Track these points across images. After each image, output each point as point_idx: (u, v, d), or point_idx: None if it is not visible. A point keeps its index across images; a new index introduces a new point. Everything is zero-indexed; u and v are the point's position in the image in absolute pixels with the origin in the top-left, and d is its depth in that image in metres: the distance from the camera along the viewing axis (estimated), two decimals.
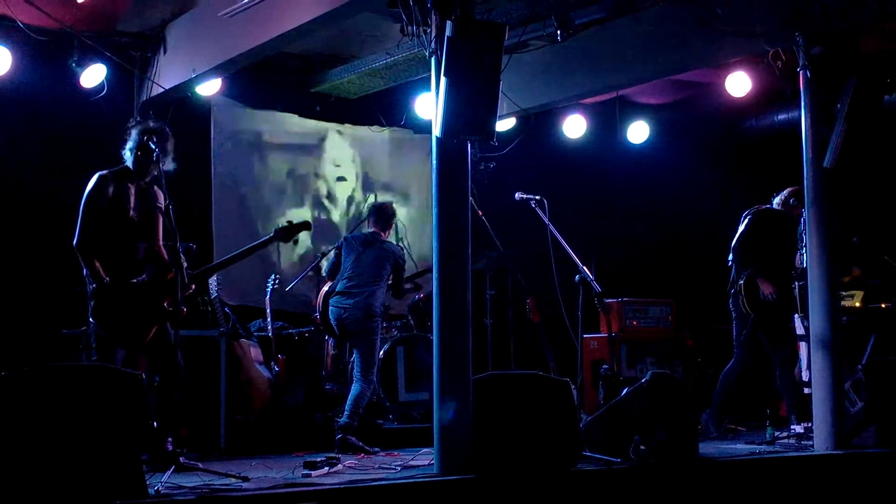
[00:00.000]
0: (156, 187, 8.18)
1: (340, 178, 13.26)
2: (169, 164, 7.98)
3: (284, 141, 12.85)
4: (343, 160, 13.30)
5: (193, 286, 8.22)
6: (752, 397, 11.14)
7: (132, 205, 7.98)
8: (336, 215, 13.18)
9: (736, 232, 10.53)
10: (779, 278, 10.26)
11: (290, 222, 8.87)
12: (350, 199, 13.26)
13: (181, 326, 7.95)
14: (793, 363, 10.39)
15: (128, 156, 8.05)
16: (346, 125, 13.24)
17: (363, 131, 13.36)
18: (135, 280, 7.96)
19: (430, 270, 8.10)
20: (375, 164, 13.53)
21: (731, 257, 10.54)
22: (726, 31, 9.46)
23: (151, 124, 8.21)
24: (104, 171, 7.95)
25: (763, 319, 10.30)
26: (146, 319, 7.94)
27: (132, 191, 8.00)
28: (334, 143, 13.24)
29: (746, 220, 10.53)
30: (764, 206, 10.62)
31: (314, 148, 13.11)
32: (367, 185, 13.34)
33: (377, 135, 13.43)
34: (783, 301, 10.22)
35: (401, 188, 13.57)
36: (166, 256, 8.23)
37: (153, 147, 7.88)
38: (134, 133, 8.06)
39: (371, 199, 12.44)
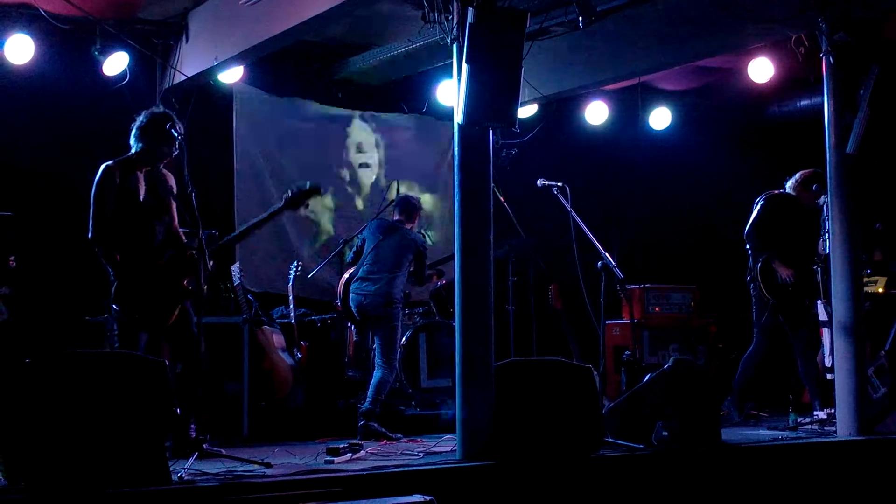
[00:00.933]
0: (164, 171, 8.20)
1: (364, 165, 13.26)
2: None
3: (307, 128, 12.83)
4: (367, 146, 13.30)
5: (212, 263, 8.18)
6: (775, 383, 11.13)
7: (143, 191, 7.98)
8: (360, 202, 13.17)
9: (749, 218, 10.51)
10: (795, 262, 10.24)
11: (299, 189, 8.54)
12: (374, 186, 13.24)
13: (204, 314, 7.97)
14: (814, 348, 10.35)
15: (136, 141, 8.04)
16: (370, 112, 13.25)
17: (388, 117, 13.36)
18: (155, 262, 7.99)
19: (453, 257, 8.11)
20: (400, 150, 13.52)
21: (747, 244, 10.52)
22: (748, 16, 9.43)
23: (163, 109, 8.22)
24: (109, 162, 7.94)
25: (782, 304, 10.27)
26: (168, 301, 7.95)
27: (141, 178, 8.01)
28: (358, 130, 13.24)
29: (759, 206, 10.50)
30: (776, 191, 10.59)
31: (337, 135, 13.11)
32: (392, 171, 13.32)
33: (402, 121, 13.43)
34: (801, 285, 10.20)
35: (426, 175, 13.57)
36: (184, 238, 8.26)
37: (176, 135, 7.89)
38: (144, 120, 8.05)
39: (395, 185, 12.48)
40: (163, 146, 7.99)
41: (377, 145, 13.35)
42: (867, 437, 8.89)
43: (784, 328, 10.35)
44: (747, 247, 10.49)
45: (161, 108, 8.22)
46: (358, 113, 13.19)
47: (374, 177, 13.27)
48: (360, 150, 13.22)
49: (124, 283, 7.78)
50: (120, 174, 7.90)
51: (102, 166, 7.93)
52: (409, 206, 10.38)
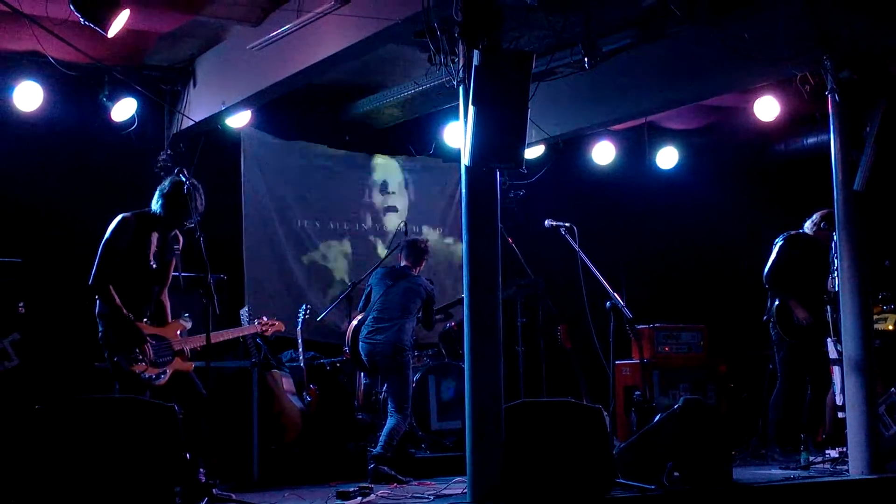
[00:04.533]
0: (176, 231, 8.21)
1: (391, 209, 13.21)
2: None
3: (318, 169, 12.82)
4: (394, 186, 13.26)
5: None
6: (787, 422, 11.08)
7: (153, 252, 7.97)
8: (381, 249, 13.02)
9: (768, 258, 10.51)
10: (812, 303, 10.22)
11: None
12: (399, 231, 13.09)
13: (213, 358, 7.95)
14: (826, 389, 10.33)
15: (158, 204, 8.01)
16: (401, 155, 13.27)
17: (417, 160, 13.35)
18: (147, 321, 8.00)
19: (461, 301, 8.10)
20: (422, 193, 13.51)
21: (766, 285, 10.51)
22: (754, 55, 9.45)
23: (187, 179, 7.99)
24: (127, 214, 7.94)
25: (800, 345, 10.26)
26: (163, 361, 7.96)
27: (154, 240, 8.00)
28: (384, 168, 13.24)
29: (778, 247, 10.51)
30: (795, 231, 10.60)
31: (356, 176, 13.08)
32: (417, 215, 13.32)
33: (429, 163, 13.43)
34: (818, 326, 10.18)
35: (451, 218, 13.55)
36: (168, 307, 8.27)
37: (192, 213, 7.85)
38: (168, 186, 8.01)
39: (420, 230, 12.37)
40: (182, 217, 7.98)
41: (406, 185, 13.34)
42: (879, 476, 8.85)
43: (803, 367, 10.34)
44: (766, 285, 10.49)
45: (187, 178, 8.02)
46: (380, 155, 13.19)
47: (401, 222, 12.56)
48: (385, 190, 13.18)
49: (124, 332, 7.74)
50: (135, 230, 7.89)
51: (119, 217, 7.92)
52: (415, 251, 10.33)
